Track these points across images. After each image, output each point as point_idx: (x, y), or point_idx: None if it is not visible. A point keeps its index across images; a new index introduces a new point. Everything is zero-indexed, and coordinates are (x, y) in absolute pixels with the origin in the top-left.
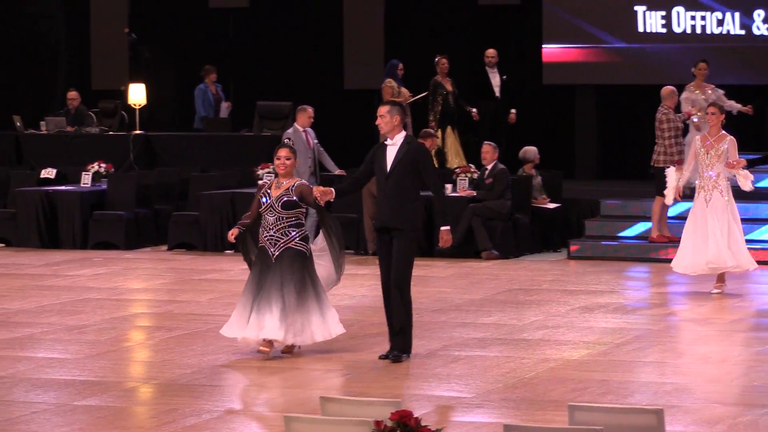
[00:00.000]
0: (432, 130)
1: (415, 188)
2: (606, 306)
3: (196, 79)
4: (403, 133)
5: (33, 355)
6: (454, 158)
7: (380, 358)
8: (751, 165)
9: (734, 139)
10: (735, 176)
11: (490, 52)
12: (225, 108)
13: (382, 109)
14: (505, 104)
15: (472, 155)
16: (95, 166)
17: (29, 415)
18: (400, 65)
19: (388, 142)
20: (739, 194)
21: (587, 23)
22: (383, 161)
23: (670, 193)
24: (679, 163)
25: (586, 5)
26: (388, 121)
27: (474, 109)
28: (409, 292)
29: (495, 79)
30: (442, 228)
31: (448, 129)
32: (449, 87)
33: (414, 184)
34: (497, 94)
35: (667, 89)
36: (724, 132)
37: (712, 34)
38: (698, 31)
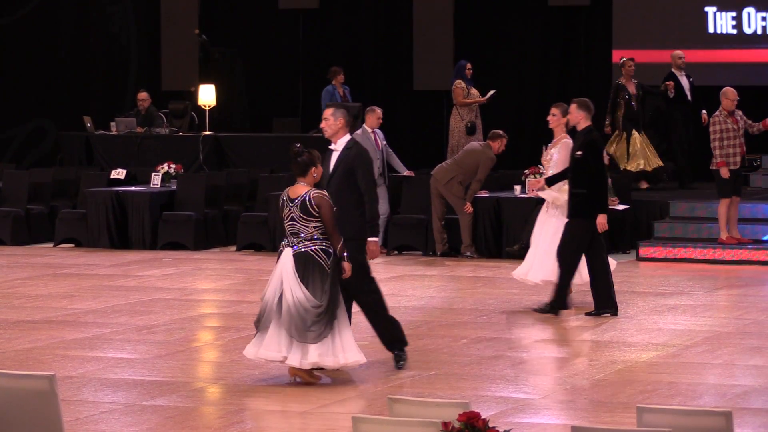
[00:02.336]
0: (500, 132)
1: (358, 194)
2: (675, 308)
3: (262, 79)
4: (346, 137)
5: (102, 355)
6: (642, 161)
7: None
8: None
9: (569, 143)
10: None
11: (678, 53)
12: None
13: (327, 112)
14: (695, 106)
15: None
16: (165, 167)
17: (98, 415)
18: (468, 65)
19: (332, 146)
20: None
21: (657, 24)
22: (327, 168)
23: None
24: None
25: (656, 6)
26: (331, 124)
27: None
28: (370, 297)
29: (684, 81)
30: (370, 239)
31: (634, 132)
32: (632, 90)
33: (355, 191)
34: (689, 97)
35: (723, 90)
36: (563, 135)
37: None
38: None
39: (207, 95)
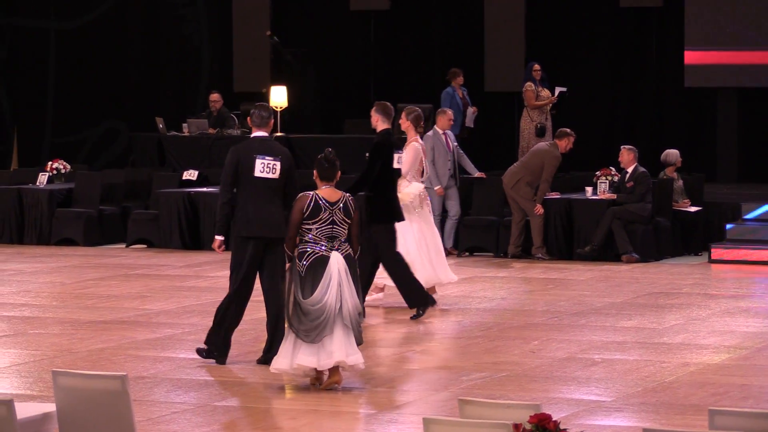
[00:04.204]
0: (568, 130)
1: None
2: (747, 310)
3: (333, 80)
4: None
5: (174, 355)
6: None
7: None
8: None
9: (414, 147)
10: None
11: None
12: (471, 113)
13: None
14: None
15: None
16: None
17: (170, 415)
18: (536, 66)
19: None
20: None
21: (730, 24)
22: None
23: None
24: None
25: (729, 6)
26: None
27: None
28: None
29: None
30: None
31: None
32: None
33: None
34: None
35: None
36: (415, 137)
37: None
38: None
39: (278, 96)
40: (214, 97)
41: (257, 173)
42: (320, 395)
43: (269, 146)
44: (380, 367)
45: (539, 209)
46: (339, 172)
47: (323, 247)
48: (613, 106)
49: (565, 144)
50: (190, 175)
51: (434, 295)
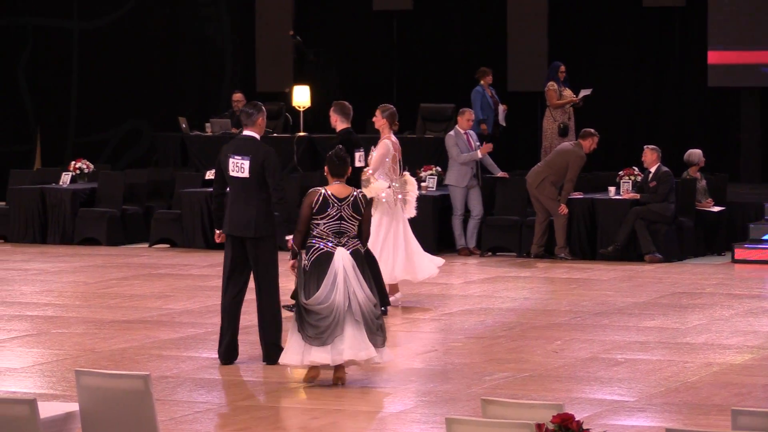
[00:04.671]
0: (592, 130)
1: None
2: None
3: (356, 80)
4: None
5: (197, 355)
6: None
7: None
8: None
9: (385, 144)
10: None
11: None
12: (501, 111)
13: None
14: None
15: None
16: None
17: (192, 415)
18: (562, 67)
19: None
20: None
21: (753, 24)
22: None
23: None
24: None
25: (752, 6)
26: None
27: None
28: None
29: None
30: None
31: None
32: None
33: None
34: None
35: None
36: (388, 135)
37: None
38: None
39: (301, 96)
40: (237, 96)
41: (230, 172)
42: (341, 395)
43: (243, 145)
44: (403, 366)
45: (563, 209)
46: (350, 168)
47: (329, 243)
48: (636, 106)
49: (589, 144)
50: (213, 174)
51: (397, 294)
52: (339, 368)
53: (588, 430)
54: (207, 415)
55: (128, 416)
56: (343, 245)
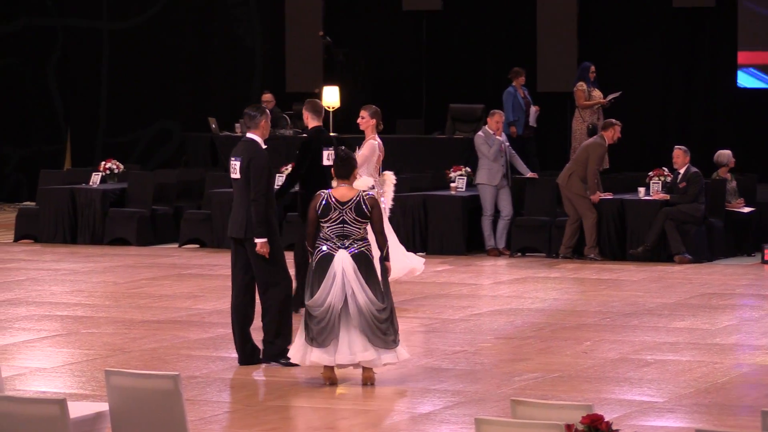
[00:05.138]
0: (613, 120)
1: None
2: None
3: (386, 81)
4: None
5: (227, 355)
6: None
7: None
8: None
9: (373, 143)
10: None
11: None
12: (533, 112)
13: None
14: None
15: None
16: (288, 168)
17: (222, 415)
18: (592, 68)
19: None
20: None
21: None
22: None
23: None
24: None
25: None
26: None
27: None
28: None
29: None
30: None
31: None
32: None
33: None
34: None
35: None
36: (373, 135)
37: None
38: None
39: (331, 96)
40: (267, 97)
41: (231, 175)
42: (371, 395)
43: (240, 148)
44: (432, 366)
45: (596, 197)
46: (355, 170)
47: (332, 246)
48: (666, 107)
49: (611, 134)
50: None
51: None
52: (366, 369)
53: (617, 430)
54: (236, 414)
55: (158, 416)
56: (345, 248)
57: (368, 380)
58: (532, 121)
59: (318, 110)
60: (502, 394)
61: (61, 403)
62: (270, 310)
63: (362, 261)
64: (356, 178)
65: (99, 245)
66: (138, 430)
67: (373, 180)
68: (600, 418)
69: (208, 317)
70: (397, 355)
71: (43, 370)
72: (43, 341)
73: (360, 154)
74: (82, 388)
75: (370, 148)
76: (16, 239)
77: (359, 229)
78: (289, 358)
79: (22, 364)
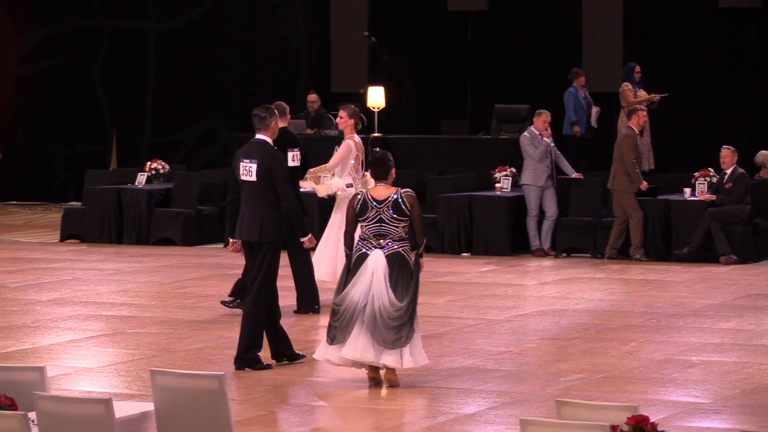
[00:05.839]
0: (636, 105)
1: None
2: None
3: (431, 81)
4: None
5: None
6: None
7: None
8: None
9: (350, 143)
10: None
11: None
12: (595, 113)
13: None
14: None
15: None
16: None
17: (267, 415)
18: (637, 68)
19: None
20: None
21: None
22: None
23: None
24: None
25: None
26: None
27: None
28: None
29: None
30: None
31: None
32: None
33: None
34: None
35: None
36: (351, 135)
37: None
38: None
39: (376, 97)
40: (312, 97)
41: (241, 176)
42: (416, 395)
43: (253, 149)
44: (477, 367)
45: (644, 185)
46: (393, 170)
47: (369, 244)
48: (711, 107)
49: (636, 120)
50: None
51: None
52: (389, 369)
53: (662, 431)
54: (281, 414)
55: (203, 416)
56: (381, 248)
57: (389, 381)
58: (593, 122)
59: (283, 111)
60: (547, 394)
61: (106, 403)
62: (249, 317)
63: (396, 261)
64: (393, 177)
65: (144, 245)
66: (183, 430)
67: (347, 181)
68: (645, 419)
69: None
70: (401, 359)
71: (89, 370)
72: (89, 341)
73: (336, 155)
74: (127, 388)
75: (347, 148)
76: (62, 239)
77: (397, 228)
78: (262, 362)
79: (68, 364)
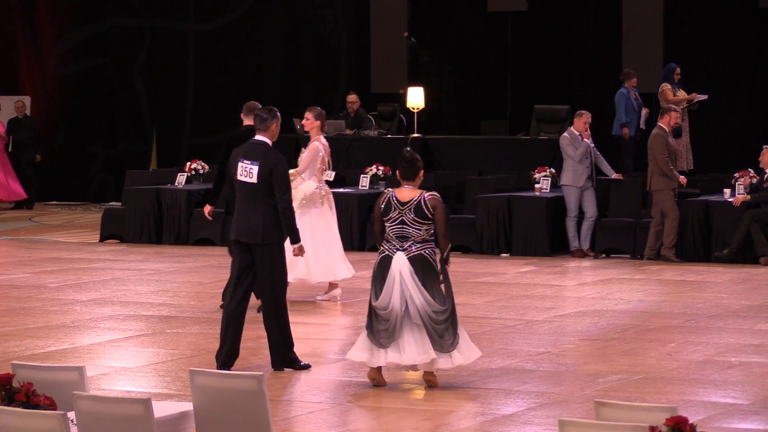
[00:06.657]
0: (669, 105)
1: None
2: None
3: (470, 81)
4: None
5: (309, 354)
6: None
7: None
8: None
9: (317, 145)
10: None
11: None
12: (644, 115)
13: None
14: None
15: None
16: (373, 169)
17: (306, 415)
18: (678, 69)
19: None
20: None
21: None
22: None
23: None
24: None
25: None
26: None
27: None
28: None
29: None
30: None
31: None
32: None
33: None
34: None
35: None
36: (318, 137)
37: None
38: None
39: (415, 97)
40: (352, 98)
41: (238, 176)
42: (454, 396)
43: (255, 150)
44: (516, 368)
45: (683, 179)
46: (421, 171)
47: (391, 247)
48: (752, 108)
49: (667, 120)
50: (327, 175)
51: (336, 290)
52: (427, 372)
53: None
54: (320, 415)
55: (242, 416)
56: (404, 250)
57: (429, 382)
58: (642, 124)
59: (250, 109)
60: (586, 395)
61: (145, 403)
62: (276, 318)
63: (419, 263)
64: (421, 179)
65: (184, 245)
66: (222, 430)
67: (316, 184)
68: (684, 420)
69: (292, 317)
70: (452, 360)
71: (128, 370)
72: (128, 341)
73: (304, 159)
74: (166, 388)
75: (314, 150)
76: (102, 239)
77: (419, 230)
78: (301, 362)
79: (107, 364)
